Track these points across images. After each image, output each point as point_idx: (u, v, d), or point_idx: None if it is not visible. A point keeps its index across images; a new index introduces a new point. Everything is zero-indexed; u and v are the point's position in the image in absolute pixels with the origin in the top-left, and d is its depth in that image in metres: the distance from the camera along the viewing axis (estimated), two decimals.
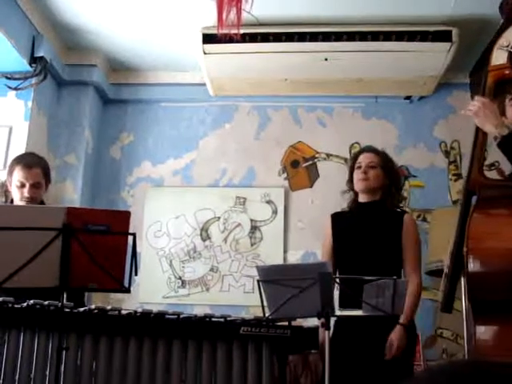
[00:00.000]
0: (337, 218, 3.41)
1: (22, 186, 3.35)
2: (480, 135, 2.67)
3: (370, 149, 3.44)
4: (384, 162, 3.34)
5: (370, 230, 3.24)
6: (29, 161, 3.42)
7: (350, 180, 3.39)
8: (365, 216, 3.29)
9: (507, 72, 2.68)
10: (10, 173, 3.41)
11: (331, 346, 2.54)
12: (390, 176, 3.33)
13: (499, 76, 2.70)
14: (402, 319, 3.03)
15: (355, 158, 3.40)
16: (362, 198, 3.33)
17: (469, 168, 2.68)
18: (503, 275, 2.37)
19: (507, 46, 2.69)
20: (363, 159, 3.33)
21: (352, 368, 3.06)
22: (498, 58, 2.70)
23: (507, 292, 2.35)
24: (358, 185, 3.31)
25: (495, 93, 2.72)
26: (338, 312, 2.76)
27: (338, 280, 2.99)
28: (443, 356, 4.63)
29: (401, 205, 3.53)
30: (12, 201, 3.45)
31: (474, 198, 2.64)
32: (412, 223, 3.31)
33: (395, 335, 3.02)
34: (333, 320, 2.70)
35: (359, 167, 3.32)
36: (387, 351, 3.01)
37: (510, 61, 2.67)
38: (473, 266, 2.40)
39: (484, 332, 2.41)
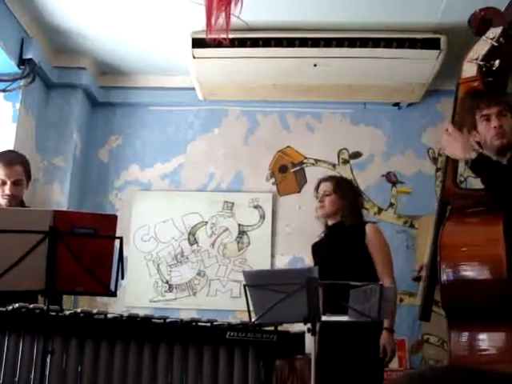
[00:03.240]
0: (315, 247, 3.69)
1: (3, 183, 3.32)
2: None
3: (325, 178, 3.71)
4: (336, 186, 3.59)
5: (337, 250, 3.47)
6: (10, 158, 3.39)
7: None
8: (332, 239, 3.56)
9: (477, 84, 2.74)
10: None
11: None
12: (344, 197, 3.56)
13: (469, 88, 2.76)
14: (385, 323, 3.24)
15: (316, 188, 3.67)
16: (329, 222, 3.61)
17: (443, 178, 2.75)
18: (475, 283, 2.41)
19: (476, 59, 2.75)
20: (320, 189, 3.63)
21: (337, 372, 3.13)
22: (468, 70, 2.78)
23: (479, 299, 2.39)
24: (317, 213, 3.63)
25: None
26: (325, 318, 2.77)
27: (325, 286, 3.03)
28: (422, 363, 4.67)
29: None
30: None
31: None
32: (373, 231, 3.49)
33: (384, 341, 3.23)
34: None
35: (318, 197, 3.63)
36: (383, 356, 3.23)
37: (479, 73, 2.73)
38: (446, 274, 2.45)
39: (458, 339, 2.44)
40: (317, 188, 3.67)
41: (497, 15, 2.84)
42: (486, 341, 2.37)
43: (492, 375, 0.82)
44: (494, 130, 2.62)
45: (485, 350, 2.37)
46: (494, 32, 2.78)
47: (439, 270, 2.47)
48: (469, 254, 2.47)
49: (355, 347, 3.18)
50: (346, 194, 3.57)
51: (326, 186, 3.60)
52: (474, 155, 2.57)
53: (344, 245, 3.45)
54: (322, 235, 3.67)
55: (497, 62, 2.74)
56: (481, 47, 2.79)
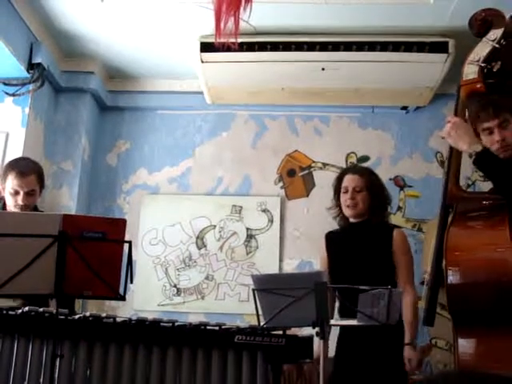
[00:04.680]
0: (330, 238, 3.43)
1: (16, 193, 3.32)
2: (455, 149, 2.75)
3: (354, 170, 3.45)
4: (369, 182, 3.32)
5: (362, 249, 3.26)
6: (23, 168, 3.37)
7: (337, 199, 3.39)
8: (356, 235, 3.32)
9: (478, 86, 2.74)
10: (4, 179, 3.36)
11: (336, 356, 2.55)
12: (375, 195, 3.33)
13: (471, 90, 2.75)
14: (406, 339, 3.09)
15: (340, 179, 3.38)
16: (352, 219, 3.35)
17: (445, 182, 2.73)
18: (482, 287, 2.40)
19: (477, 61, 2.74)
20: (349, 183, 3.31)
21: (352, 378, 3.11)
22: (469, 72, 2.77)
23: (486, 303, 2.38)
24: (347, 211, 3.32)
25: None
26: (333, 321, 2.77)
27: (334, 290, 3.04)
28: (430, 367, 4.65)
29: (393, 215, 3.57)
30: (4, 205, 3.41)
31: None
32: (401, 238, 3.31)
33: (407, 356, 3.06)
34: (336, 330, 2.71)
35: (346, 192, 3.31)
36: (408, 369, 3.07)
37: (480, 75, 2.72)
38: (452, 278, 2.43)
39: (465, 344, 2.43)
40: (340, 179, 3.37)
41: (498, 16, 2.84)
42: (494, 345, 2.37)
43: (505, 380, 0.82)
44: (498, 143, 2.61)
45: (492, 353, 2.36)
46: (495, 34, 2.77)
47: (445, 274, 2.46)
48: (475, 257, 2.47)
49: (376, 352, 3.09)
50: (377, 189, 3.36)
51: (356, 181, 3.30)
52: (479, 149, 2.55)
53: (370, 245, 3.25)
54: (339, 227, 3.44)
55: (498, 63, 2.74)
56: (482, 49, 2.79)
